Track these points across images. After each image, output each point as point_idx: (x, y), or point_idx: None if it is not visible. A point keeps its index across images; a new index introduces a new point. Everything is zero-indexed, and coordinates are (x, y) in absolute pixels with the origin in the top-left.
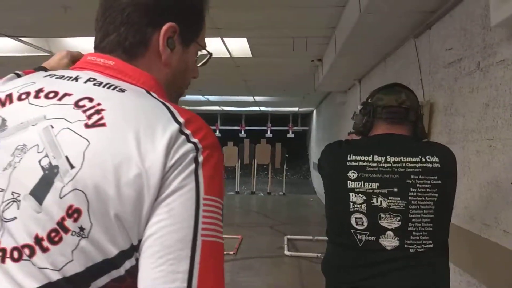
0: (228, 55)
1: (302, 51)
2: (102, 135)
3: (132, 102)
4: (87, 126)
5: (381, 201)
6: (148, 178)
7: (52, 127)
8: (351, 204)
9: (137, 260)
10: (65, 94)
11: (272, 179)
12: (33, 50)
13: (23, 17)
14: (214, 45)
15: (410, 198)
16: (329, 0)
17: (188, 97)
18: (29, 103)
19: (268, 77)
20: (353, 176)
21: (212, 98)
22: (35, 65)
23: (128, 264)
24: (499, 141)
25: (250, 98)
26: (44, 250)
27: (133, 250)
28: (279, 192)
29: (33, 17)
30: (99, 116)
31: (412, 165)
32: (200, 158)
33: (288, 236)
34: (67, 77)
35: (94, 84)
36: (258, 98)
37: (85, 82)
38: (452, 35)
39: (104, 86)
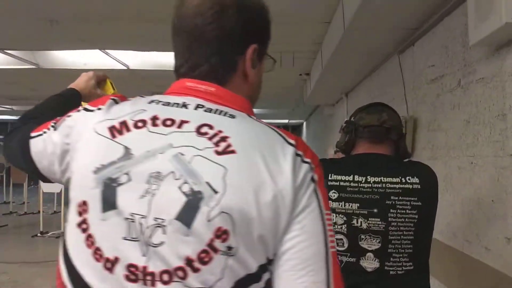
0: None
1: (289, 66)
2: (235, 162)
3: (248, 128)
4: (218, 153)
5: (361, 222)
6: (283, 199)
7: (182, 154)
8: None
9: (271, 272)
10: (182, 122)
11: None
12: (19, 63)
13: (9, 30)
14: None
15: (390, 219)
16: (314, 17)
17: None
18: (149, 131)
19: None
20: (334, 196)
21: None
22: (21, 77)
23: (266, 276)
24: (480, 158)
25: None
26: (195, 270)
27: (269, 263)
28: None
29: (19, 30)
30: (226, 143)
31: (392, 185)
32: (315, 177)
33: None
34: (174, 103)
35: (205, 111)
36: None
37: (195, 108)
38: (435, 52)
39: (215, 113)
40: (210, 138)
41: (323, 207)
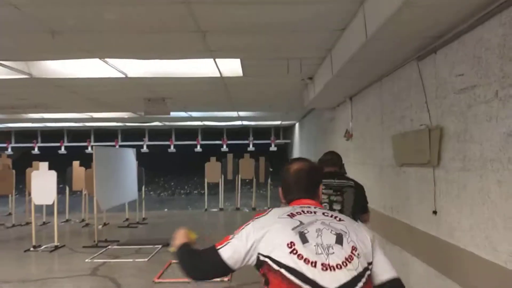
0: (218, 75)
1: (295, 71)
2: (350, 226)
3: (348, 218)
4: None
5: (334, 197)
6: (370, 247)
7: (324, 221)
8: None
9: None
10: (314, 211)
11: (256, 193)
12: (11, 73)
13: (10, 41)
14: (205, 65)
15: (344, 196)
16: (328, 24)
17: (171, 114)
18: (305, 215)
19: (256, 95)
20: (323, 187)
21: (195, 114)
22: (13, 87)
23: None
24: None
25: (234, 114)
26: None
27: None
28: (264, 207)
29: (20, 42)
30: (338, 218)
31: (344, 183)
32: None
33: None
34: (306, 207)
35: (325, 214)
36: (242, 113)
37: (316, 212)
38: (463, 61)
39: (322, 211)
40: (329, 215)
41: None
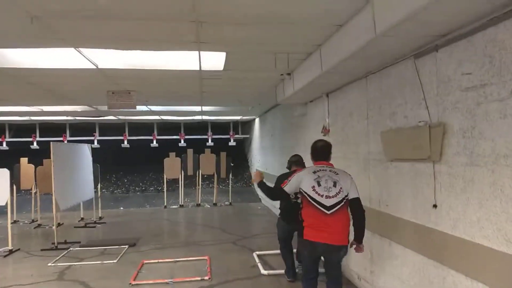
0: (197, 68)
1: (283, 66)
2: (343, 178)
3: (341, 171)
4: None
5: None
6: (352, 187)
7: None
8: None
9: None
10: (328, 169)
11: (217, 189)
12: None
13: None
14: (185, 58)
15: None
16: (326, 19)
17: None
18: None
19: (229, 89)
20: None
21: (154, 108)
22: None
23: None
24: None
25: (197, 108)
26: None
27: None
28: (224, 202)
29: None
30: (336, 172)
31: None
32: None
33: (257, 252)
34: (322, 170)
35: (330, 170)
36: (205, 108)
37: (325, 170)
38: (471, 60)
39: (332, 168)
40: (333, 172)
41: None
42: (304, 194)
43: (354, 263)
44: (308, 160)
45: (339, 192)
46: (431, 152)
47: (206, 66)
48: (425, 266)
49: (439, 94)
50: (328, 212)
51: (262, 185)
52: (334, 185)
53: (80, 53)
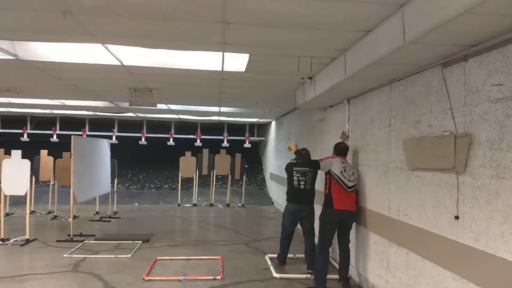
0: (219, 69)
1: (306, 70)
2: (355, 173)
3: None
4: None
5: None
6: (357, 177)
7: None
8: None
9: None
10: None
11: (231, 190)
12: None
13: (9, 17)
14: (208, 59)
15: (306, 177)
16: (355, 25)
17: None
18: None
19: (248, 91)
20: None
21: (173, 107)
22: None
23: None
24: None
25: (215, 109)
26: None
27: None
28: (237, 204)
29: (31, 21)
30: (352, 167)
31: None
32: None
33: (270, 255)
34: (344, 162)
35: (349, 164)
36: (223, 109)
37: (345, 162)
38: (502, 72)
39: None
40: (351, 166)
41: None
42: (334, 175)
43: (369, 272)
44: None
45: (353, 180)
46: (455, 162)
47: (228, 67)
48: (444, 278)
49: (467, 105)
50: (348, 191)
51: (298, 151)
52: (353, 174)
53: (107, 49)
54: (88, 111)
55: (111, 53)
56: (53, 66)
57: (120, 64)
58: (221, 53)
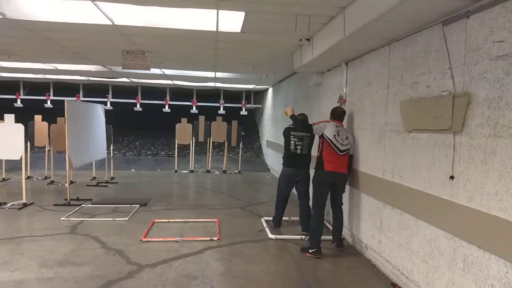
0: (214, 29)
1: (303, 30)
2: (350, 137)
3: (349, 132)
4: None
5: (298, 142)
6: (352, 141)
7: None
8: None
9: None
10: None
11: (227, 157)
12: None
13: None
14: (202, 17)
15: (303, 142)
16: None
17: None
18: (337, 126)
19: (243, 55)
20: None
21: (168, 71)
22: None
23: None
24: None
25: (211, 74)
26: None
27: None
28: (234, 170)
29: None
30: (347, 131)
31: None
32: None
33: (265, 218)
34: (338, 126)
35: (344, 129)
36: (218, 74)
37: (340, 126)
38: (505, 28)
39: (345, 128)
40: (345, 130)
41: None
42: (327, 138)
43: (362, 233)
44: None
45: (347, 145)
46: (452, 122)
47: (223, 28)
48: (436, 237)
49: (466, 63)
50: (340, 154)
51: (293, 116)
52: (346, 139)
53: (97, 7)
54: (81, 76)
55: (102, 12)
56: (42, 26)
57: (111, 23)
58: (216, 10)
